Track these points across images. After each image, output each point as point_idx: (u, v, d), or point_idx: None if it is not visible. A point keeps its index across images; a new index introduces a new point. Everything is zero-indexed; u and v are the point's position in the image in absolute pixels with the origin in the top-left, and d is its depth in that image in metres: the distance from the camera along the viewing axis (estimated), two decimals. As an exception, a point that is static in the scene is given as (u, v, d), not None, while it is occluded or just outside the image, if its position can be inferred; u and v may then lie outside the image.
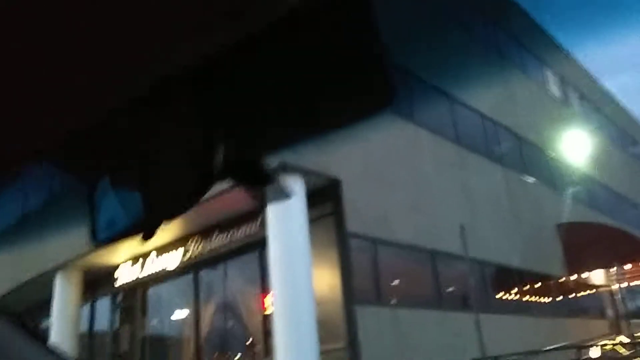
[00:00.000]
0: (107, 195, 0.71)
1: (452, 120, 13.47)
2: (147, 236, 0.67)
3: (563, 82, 20.88)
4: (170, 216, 0.66)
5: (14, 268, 14.08)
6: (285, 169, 8.83)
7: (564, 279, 15.68)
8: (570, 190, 17.13)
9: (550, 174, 17.29)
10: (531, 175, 16.04)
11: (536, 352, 10.91)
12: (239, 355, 11.26)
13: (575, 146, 18.42)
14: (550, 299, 15.15)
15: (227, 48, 0.56)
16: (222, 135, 0.64)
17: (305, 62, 0.64)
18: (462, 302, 11.15)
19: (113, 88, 0.59)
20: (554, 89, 20.13)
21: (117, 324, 13.67)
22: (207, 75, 0.63)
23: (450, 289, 11.71)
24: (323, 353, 8.41)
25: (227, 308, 11.30)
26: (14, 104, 0.53)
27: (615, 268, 16.24)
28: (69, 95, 0.58)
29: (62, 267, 12.87)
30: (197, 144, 0.64)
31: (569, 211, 16.18)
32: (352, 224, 9.61)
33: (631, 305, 19.11)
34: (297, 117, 0.69)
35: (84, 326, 13.78)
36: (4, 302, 13.04)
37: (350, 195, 9.74)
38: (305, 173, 9.22)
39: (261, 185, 0.80)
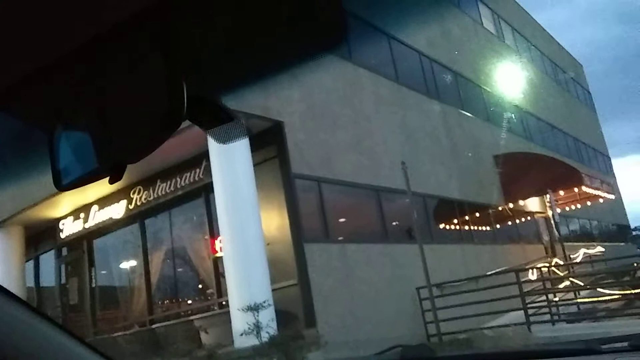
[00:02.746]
0: (68, 140, 0.70)
1: (391, 59, 13.53)
2: (114, 179, 0.67)
3: (496, 17, 21.17)
4: (137, 158, 0.66)
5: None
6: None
7: (502, 207, 16.39)
8: (505, 123, 17.67)
9: (486, 107, 17.75)
10: (468, 109, 16.43)
11: (477, 278, 11.47)
12: (191, 299, 11.39)
13: (509, 79, 18.91)
14: (490, 227, 15.84)
15: None
16: (182, 75, 0.64)
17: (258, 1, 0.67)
18: (407, 235, 11.56)
19: (72, 27, 0.60)
20: (488, 24, 20.41)
21: (64, 278, 13.50)
22: (163, 16, 0.63)
23: (395, 223, 12.07)
24: (275, 290, 8.62)
25: (177, 255, 11.33)
26: None
27: (549, 195, 17.05)
28: (25, 35, 0.57)
29: (1, 223, 12.50)
30: (161, 84, 0.63)
31: (504, 142, 16.73)
32: (297, 165, 9.69)
33: (564, 230, 20.22)
34: (252, 56, 0.72)
35: (29, 282, 13.55)
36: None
37: (293, 137, 9.77)
38: (247, 117, 9.16)
39: (220, 124, 0.84)
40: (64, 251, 13.48)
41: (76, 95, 0.71)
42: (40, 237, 13.33)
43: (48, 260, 13.79)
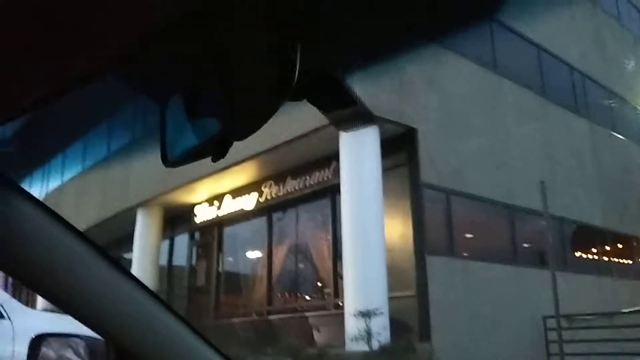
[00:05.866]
0: (178, 114, 0.68)
1: (538, 71, 12.83)
2: (218, 156, 0.64)
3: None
4: (242, 136, 0.63)
5: (101, 203, 14.92)
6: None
7: (648, 241, 14.97)
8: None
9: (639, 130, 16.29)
10: (620, 131, 15.15)
11: (613, 314, 10.55)
12: (309, 296, 11.55)
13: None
14: (633, 261, 14.52)
15: None
16: (297, 50, 0.60)
17: None
18: (538, 259, 10.86)
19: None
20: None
21: (194, 260, 14.31)
22: None
23: (526, 245, 11.42)
24: (392, 299, 8.48)
25: (299, 250, 11.54)
26: (78, 14, 0.49)
27: None
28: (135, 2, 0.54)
29: (143, 204, 13.50)
30: (272, 59, 0.59)
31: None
32: (426, 175, 9.46)
33: None
34: (385, 26, 0.63)
35: (163, 260, 14.50)
36: (90, 233, 13.86)
37: (425, 145, 9.55)
38: (381, 121, 9.10)
39: (340, 108, 0.75)
40: (197, 235, 14.27)
41: (190, 67, 0.67)
42: (177, 219, 14.20)
43: (182, 242, 14.68)
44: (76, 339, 1.40)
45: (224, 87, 0.61)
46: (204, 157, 0.66)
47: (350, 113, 0.75)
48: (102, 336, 1.14)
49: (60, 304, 1.07)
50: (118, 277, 1.10)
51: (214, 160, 0.65)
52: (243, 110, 0.61)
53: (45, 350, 1.44)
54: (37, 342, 1.43)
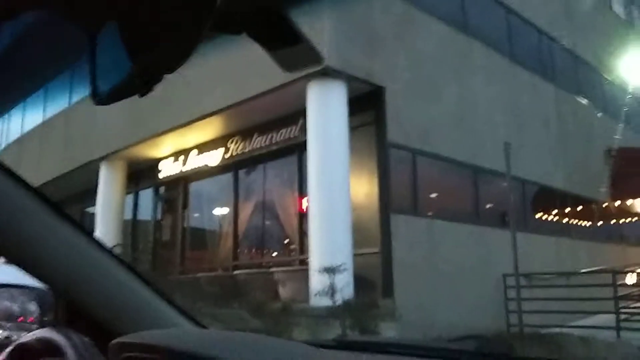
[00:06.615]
0: (109, 44, 0.63)
1: (506, 34, 12.84)
2: (145, 91, 0.59)
3: (628, 0, 19.52)
4: (170, 67, 0.58)
5: (63, 155, 14.59)
6: (328, 72, 8.66)
7: (607, 204, 15.39)
8: (623, 115, 16.42)
9: (604, 97, 16.54)
10: (584, 96, 15.38)
11: (571, 274, 10.91)
12: (274, 252, 11.62)
13: (634, 70, 17.44)
14: (591, 223, 14.95)
15: None
16: None
17: None
18: (500, 219, 11.10)
19: None
20: (618, 7, 18.87)
21: (159, 215, 14.20)
22: None
23: (489, 206, 11.64)
24: (357, 256, 8.59)
25: (265, 207, 11.54)
26: None
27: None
28: None
29: (107, 157, 13.24)
30: None
31: (619, 136, 15.60)
32: (393, 134, 9.48)
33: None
34: None
35: (127, 215, 14.35)
36: (52, 187, 13.58)
37: (393, 105, 9.54)
38: (349, 78, 9.03)
39: (283, 45, 0.69)
40: (162, 190, 14.12)
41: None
42: (141, 174, 14.00)
43: (147, 197, 14.52)
44: (21, 290, 1.36)
45: (149, 16, 0.56)
46: (132, 93, 0.61)
47: (296, 52, 0.69)
48: (50, 287, 1.11)
49: (8, 255, 1.03)
50: (67, 230, 1.07)
51: (140, 96, 0.61)
52: (167, 36, 0.56)
53: (-7, 299, 1.41)
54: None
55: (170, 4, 0.54)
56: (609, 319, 9.62)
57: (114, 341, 0.97)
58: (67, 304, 1.12)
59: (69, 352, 0.94)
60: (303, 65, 0.72)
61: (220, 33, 0.61)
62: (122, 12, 0.57)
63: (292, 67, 0.72)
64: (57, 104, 15.56)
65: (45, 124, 16.30)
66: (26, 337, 1.03)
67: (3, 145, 18.80)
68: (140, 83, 0.58)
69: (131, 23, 0.57)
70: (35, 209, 1.04)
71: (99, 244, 1.14)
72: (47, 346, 0.98)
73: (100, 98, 0.62)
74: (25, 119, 17.92)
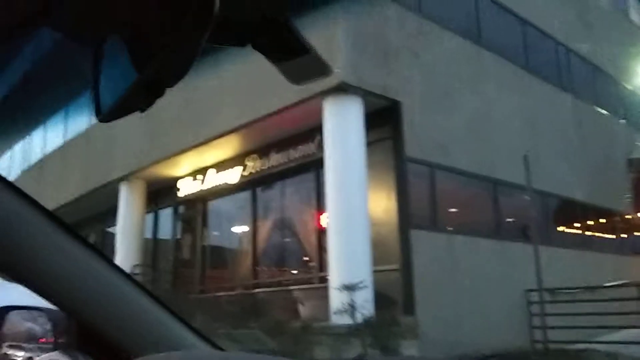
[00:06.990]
0: (111, 59, 0.61)
1: (522, 45, 12.77)
2: (146, 105, 0.58)
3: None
4: (170, 82, 0.56)
5: (83, 176, 14.77)
6: (344, 88, 8.68)
7: (631, 215, 15.12)
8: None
9: (624, 106, 16.34)
10: (604, 107, 15.20)
11: (594, 288, 10.68)
12: (294, 270, 11.57)
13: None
14: (615, 235, 14.68)
15: None
16: None
17: None
18: (522, 233, 10.94)
19: None
20: (635, 16, 18.70)
21: (179, 234, 14.26)
22: None
23: (509, 220, 11.49)
24: (377, 272, 8.51)
25: (284, 225, 11.53)
26: None
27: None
28: None
29: (126, 177, 13.37)
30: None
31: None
32: (411, 149, 9.43)
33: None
34: None
35: (147, 234, 14.44)
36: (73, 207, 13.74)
37: (409, 119, 9.50)
38: (364, 93, 9.04)
39: (289, 57, 0.67)
40: (181, 209, 14.20)
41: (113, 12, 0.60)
42: (161, 193, 14.10)
43: (166, 215, 14.60)
44: (40, 312, 1.36)
45: (150, 31, 0.55)
46: (134, 108, 0.60)
47: (304, 64, 0.67)
48: (64, 310, 1.11)
49: (19, 276, 1.03)
50: (79, 250, 1.06)
51: (142, 111, 0.59)
52: (166, 47, 0.54)
53: (9, 322, 1.41)
54: (0, 315, 1.40)
55: (167, 14, 0.53)
56: (635, 333, 9.38)
57: None
58: (80, 326, 1.11)
59: None
60: (311, 77, 0.70)
61: (226, 45, 0.60)
62: (122, 25, 0.56)
63: (299, 79, 0.70)
64: (77, 125, 15.80)
65: (66, 145, 16.54)
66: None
67: (25, 168, 19.10)
68: (141, 97, 0.56)
69: (131, 36, 0.56)
70: (47, 230, 1.04)
71: (111, 264, 1.13)
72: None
73: (104, 115, 0.61)
74: (47, 140, 18.21)
